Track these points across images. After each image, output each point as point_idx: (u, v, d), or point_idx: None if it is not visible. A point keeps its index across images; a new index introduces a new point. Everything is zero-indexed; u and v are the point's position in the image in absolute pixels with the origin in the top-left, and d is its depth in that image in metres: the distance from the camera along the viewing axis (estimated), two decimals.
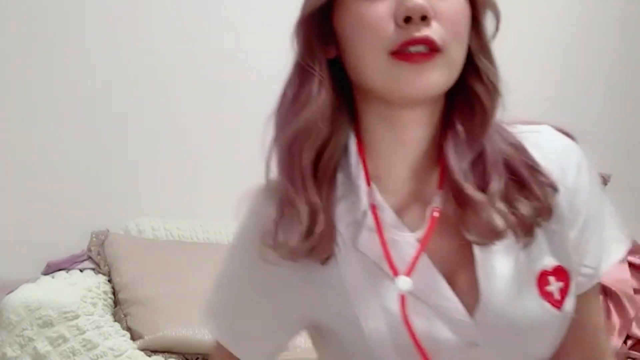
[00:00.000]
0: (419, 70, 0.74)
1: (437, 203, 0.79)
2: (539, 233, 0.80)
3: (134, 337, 1.83)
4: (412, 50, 0.74)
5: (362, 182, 0.80)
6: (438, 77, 0.75)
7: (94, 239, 2.20)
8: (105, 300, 1.96)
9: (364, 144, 0.82)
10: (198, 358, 1.83)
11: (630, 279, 2.07)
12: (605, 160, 2.51)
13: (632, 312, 2.00)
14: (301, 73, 0.81)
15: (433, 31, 0.74)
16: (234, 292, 0.93)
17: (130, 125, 2.49)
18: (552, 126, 0.85)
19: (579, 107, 2.85)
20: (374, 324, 0.77)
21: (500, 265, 0.79)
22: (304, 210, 0.77)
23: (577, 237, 0.84)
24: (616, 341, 1.96)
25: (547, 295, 0.81)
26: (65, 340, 1.72)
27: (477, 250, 0.78)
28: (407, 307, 0.76)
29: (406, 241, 0.78)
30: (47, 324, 1.74)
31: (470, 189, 0.77)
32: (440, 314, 0.78)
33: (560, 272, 0.82)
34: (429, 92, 0.76)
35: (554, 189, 0.79)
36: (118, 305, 1.98)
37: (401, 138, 0.80)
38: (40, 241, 2.25)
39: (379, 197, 0.79)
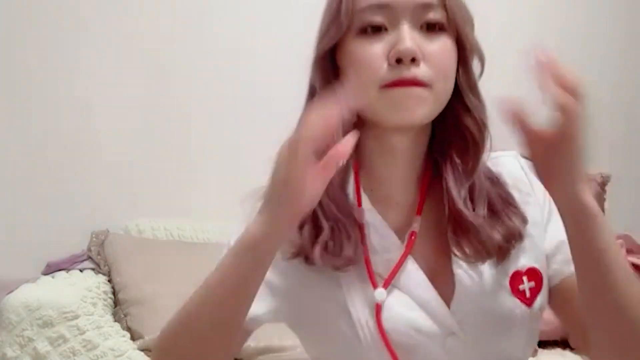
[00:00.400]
0: (406, 95, 0.86)
1: (415, 228, 0.93)
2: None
3: (133, 337, 1.83)
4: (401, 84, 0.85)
5: (354, 203, 0.93)
6: (423, 104, 0.87)
7: (94, 239, 2.20)
8: (105, 300, 1.96)
9: (362, 161, 0.95)
10: None
11: None
12: (605, 160, 2.52)
13: None
14: (311, 100, 0.94)
15: (421, 71, 0.85)
16: None
17: (130, 125, 2.49)
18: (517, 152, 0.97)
19: None
20: (363, 317, 0.90)
21: (475, 256, 0.90)
22: (326, 224, 0.90)
23: (550, 236, 0.95)
24: None
25: (518, 294, 0.92)
26: (65, 340, 1.72)
27: (453, 247, 0.90)
28: (390, 299, 0.90)
29: (391, 249, 0.92)
30: (47, 324, 1.74)
31: (471, 215, 0.90)
32: (421, 305, 0.90)
33: (533, 273, 0.93)
34: (416, 119, 0.87)
35: (524, 220, 0.92)
36: (118, 305, 1.98)
37: (392, 159, 0.93)
38: (40, 241, 2.25)
39: (368, 211, 0.93)
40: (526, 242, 0.93)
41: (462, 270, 0.91)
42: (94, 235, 2.22)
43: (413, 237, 0.92)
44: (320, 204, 0.87)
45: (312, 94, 0.95)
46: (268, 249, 0.81)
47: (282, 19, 2.58)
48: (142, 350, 1.76)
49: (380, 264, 0.91)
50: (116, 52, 2.48)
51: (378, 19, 0.88)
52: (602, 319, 0.83)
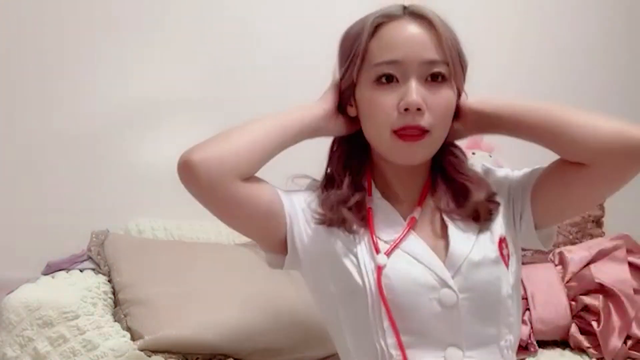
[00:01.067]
0: (410, 147, 1.13)
1: (415, 214, 1.21)
2: (495, 214, 1.20)
3: (134, 338, 1.83)
4: (407, 132, 1.12)
5: (365, 192, 1.24)
6: (423, 152, 1.17)
7: (94, 239, 2.20)
8: (105, 300, 1.96)
9: (375, 169, 1.25)
10: (198, 358, 1.83)
11: (630, 279, 2.06)
12: None
13: (632, 313, 2.00)
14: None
15: (424, 119, 1.11)
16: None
17: (130, 125, 2.49)
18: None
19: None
20: (368, 268, 1.14)
21: (467, 231, 1.17)
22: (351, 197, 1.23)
23: (502, 192, 1.26)
24: (616, 341, 1.96)
25: (502, 256, 1.16)
26: (65, 340, 1.72)
27: (449, 222, 1.18)
28: (395, 257, 1.15)
29: (394, 229, 1.19)
30: (47, 324, 1.74)
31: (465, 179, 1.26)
32: (420, 261, 1.13)
33: (506, 241, 1.19)
34: (416, 162, 1.19)
35: (490, 188, 1.24)
36: (118, 306, 1.98)
37: (401, 176, 1.24)
38: (40, 241, 2.25)
39: (377, 200, 1.23)
40: (500, 212, 1.21)
41: (455, 237, 1.16)
42: (94, 235, 2.22)
43: (413, 220, 1.20)
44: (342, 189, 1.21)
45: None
46: (323, 126, 1.20)
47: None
48: (143, 350, 1.76)
49: (386, 236, 1.17)
50: (116, 53, 2.48)
51: (391, 71, 1.12)
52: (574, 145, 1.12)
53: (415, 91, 1.09)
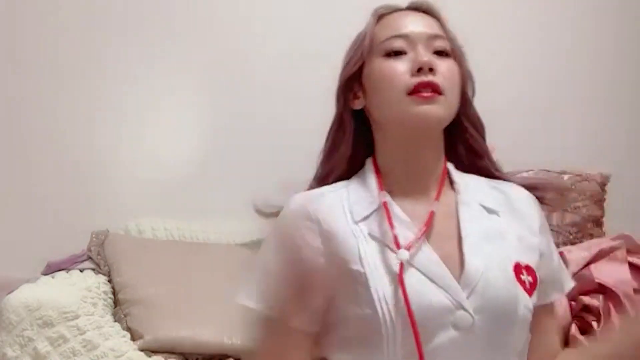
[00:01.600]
0: (426, 106, 1.06)
1: (434, 208, 1.09)
2: (512, 235, 1.10)
3: (134, 338, 1.83)
4: (422, 92, 1.06)
5: (375, 188, 1.11)
6: (438, 112, 1.08)
7: (94, 239, 2.20)
8: (105, 300, 1.96)
9: (380, 166, 1.14)
10: (198, 358, 1.83)
11: (630, 280, 2.06)
12: (605, 160, 2.52)
13: (632, 313, 2.00)
14: (337, 121, 1.18)
15: (437, 78, 1.07)
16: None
17: (130, 125, 2.49)
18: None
19: (580, 107, 2.85)
20: (380, 285, 1.01)
21: (482, 246, 1.06)
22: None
23: (541, 248, 1.13)
24: None
25: (520, 282, 1.05)
26: (65, 340, 1.72)
27: (464, 233, 1.07)
28: (406, 275, 1.01)
29: (408, 227, 1.06)
30: (47, 324, 1.74)
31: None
32: (434, 280, 1.02)
33: (530, 270, 1.08)
34: (433, 122, 1.09)
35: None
36: (118, 306, 1.98)
37: (412, 160, 1.13)
38: (40, 241, 2.25)
39: (388, 199, 1.09)
40: (523, 241, 1.10)
41: (470, 251, 1.05)
42: (94, 235, 2.22)
43: (432, 216, 1.08)
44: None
45: (339, 121, 1.17)
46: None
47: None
48: (143, 350, 1.76)
49: (402, 238, 1.05)
50: (116, 53, 2.48)
51: (399, 44, 1.10)
52: None
53: (425, 53, 1.09)
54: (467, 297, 1.01)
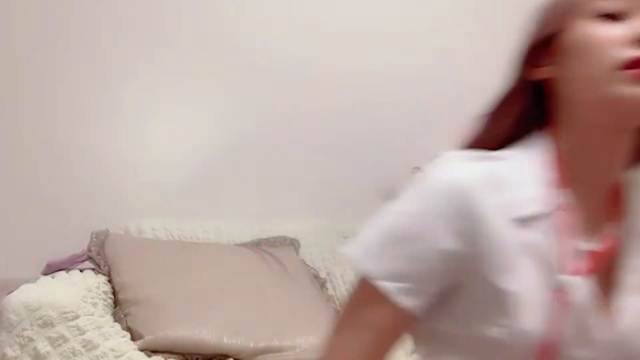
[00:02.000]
0: None
1: (610, 233, 0.86)
2: None
3: (134, 338, 1.83)
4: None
5: (550, 183, 0.86)
6: None
7: (94, 239, 2.20)
8: (105, 300, 1.96)
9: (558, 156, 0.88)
10: (198, 358, 1.83)
11: None
12: None
13: None
14: (512, 89, 0.91)
15: None
16: None
17: (129, 125, 2.49)
18: None
19: None
20: (531, 313, 0.80)
21: (638, 298, 0.85)
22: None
23: None
24: None
25: None
26: (65, 340, 1.72)
27: (625, 281, 0.85)
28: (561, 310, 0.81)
29: (577, 248, 0.83)
30: (47, 324, 1.74)
31: None
32: (586, 330, 0.82)
33: None
34: None
35: None
36: (118, 306, 1.98)
37: (603, 157, 0.87)
38: (40, 241, 2.25)
39: (569, 203, 0.85)
40: None
41: (625, 305, 0.85)
42: (94, 235, 2.22)
43: (615, 246, 0.86)
44: None
45: (512, 92, 0.92)
46: None
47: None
48: (143, 350, 1.76)
49: (570, 259, 0.83)
50: (117, 53, 2.48)
51: (617, 5, 0.85)
52: None
53: None
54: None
